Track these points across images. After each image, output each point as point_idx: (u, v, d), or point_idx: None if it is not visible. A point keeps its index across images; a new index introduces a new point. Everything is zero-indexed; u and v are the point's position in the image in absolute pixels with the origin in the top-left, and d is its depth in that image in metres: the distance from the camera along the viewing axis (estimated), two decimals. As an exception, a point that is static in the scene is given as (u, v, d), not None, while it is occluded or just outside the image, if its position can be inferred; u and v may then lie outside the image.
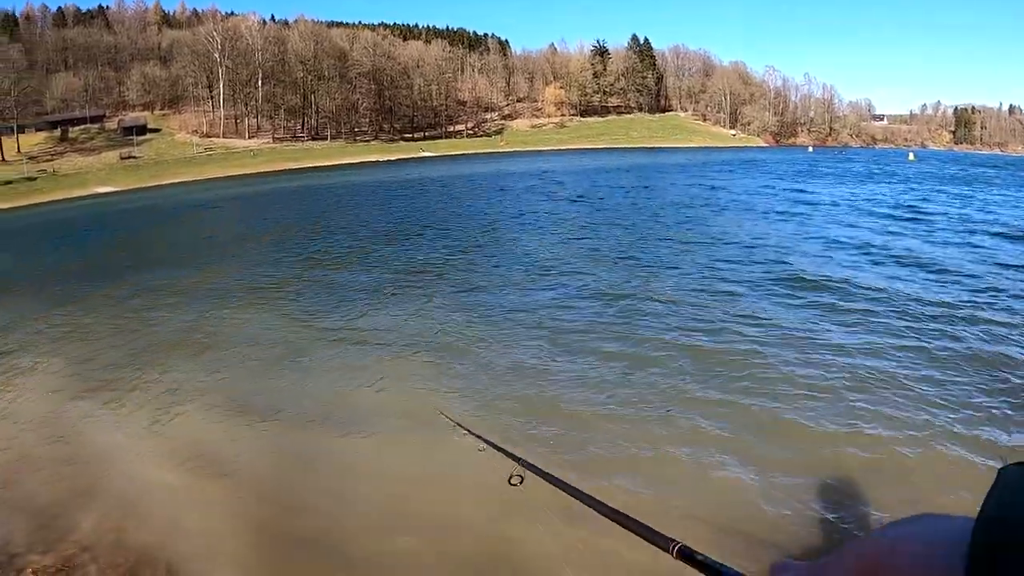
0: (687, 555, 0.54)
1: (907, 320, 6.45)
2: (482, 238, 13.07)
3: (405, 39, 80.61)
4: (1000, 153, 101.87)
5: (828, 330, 6.30)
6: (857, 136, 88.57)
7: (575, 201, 20.33)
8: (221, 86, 75.89)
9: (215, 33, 76.77)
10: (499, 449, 1.65)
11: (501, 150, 73.43)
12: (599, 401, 4.99)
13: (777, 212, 16.03)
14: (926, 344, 5.76)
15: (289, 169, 65.13)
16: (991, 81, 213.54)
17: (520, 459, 1.46)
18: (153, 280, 10.91)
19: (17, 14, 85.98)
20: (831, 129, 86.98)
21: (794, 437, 4.30)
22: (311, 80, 76.65)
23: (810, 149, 78.52)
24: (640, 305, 7.46)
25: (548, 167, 43.34)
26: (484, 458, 1.90)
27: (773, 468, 3.97)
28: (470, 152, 71.76)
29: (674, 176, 31.22)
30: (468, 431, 2.10)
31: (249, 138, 75.31)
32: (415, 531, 3.64)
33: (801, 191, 22.21)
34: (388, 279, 9.86)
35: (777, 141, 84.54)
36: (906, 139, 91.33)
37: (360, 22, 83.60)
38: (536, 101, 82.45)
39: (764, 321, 6.61)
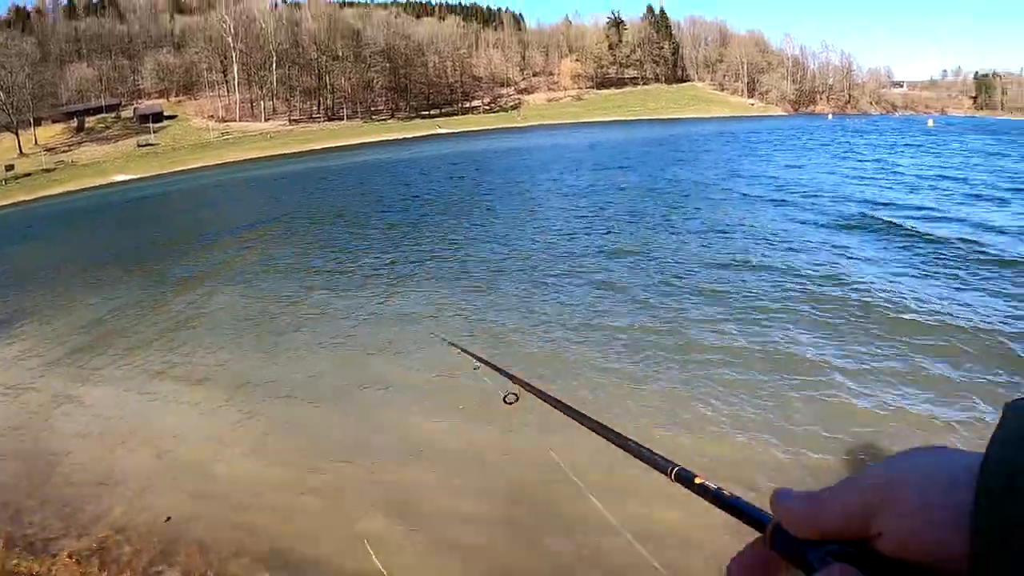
0: (685, 478, 0.55)
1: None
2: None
3: (419, 16, 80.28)
4: (1022, 118, 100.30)
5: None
6: (877, 103, 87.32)
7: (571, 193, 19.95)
8: (235, 70, 75.64)
9: (227, 17, 76.59)
10: (494, 367, 1.59)
11: (518, 125, 72.75)
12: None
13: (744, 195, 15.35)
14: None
15: (305, 151, 64.80)
16: (1013, 46, 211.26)
17: (514, 377, 1.43)
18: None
19: (28, 7, 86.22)
20: (850, 96, 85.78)
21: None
22: (325, 61, 76.30)
23: (829, 117, 77.58)
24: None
25: (558, 142, 43.35)
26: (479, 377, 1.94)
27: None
28: (487, 128, 71.12)
29: (664, 152, 30.51)
30: (463, 351, 2.06)
31: (265, 121, 75.06)
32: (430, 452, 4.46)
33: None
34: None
35: (796, 109, 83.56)
36: (927, 106, 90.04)
37: (373, 1, 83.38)
38: (552, 75, 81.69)
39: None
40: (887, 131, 47.08)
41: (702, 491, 0.51)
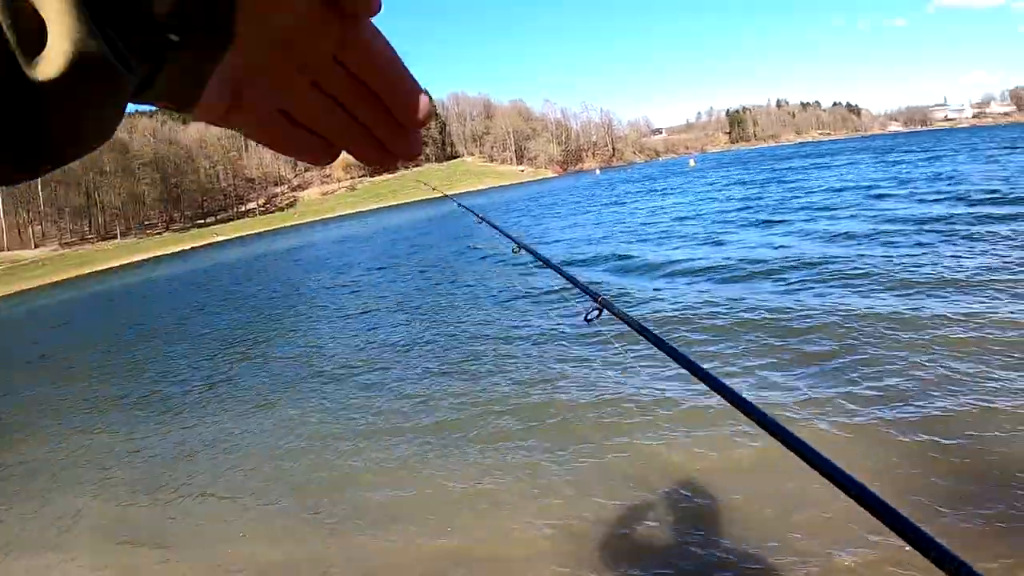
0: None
1: None
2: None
3: (185, 122, 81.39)
4: (774, 145, 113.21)
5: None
6: (640, 152, 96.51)
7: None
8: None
9: (-17, 140, 75.24)
10: (578, 285, 1.66)
11: (295, 223, 76.38)
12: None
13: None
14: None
15: (82, 275, 65.49)
16: (761, 79, 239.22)
17: (597, 295, 1.49)
18: None
19: None
20: (614, 149, 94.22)
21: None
22: (93, 176, 76.88)
23: (597, 172, 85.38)
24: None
25: (314, 240, 41.38)
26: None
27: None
28: (264, 230, 73.97)
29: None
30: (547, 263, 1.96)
31: (36, 247, 75.17)
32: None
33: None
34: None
35: (565, 169, 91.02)
36: (687, 147, 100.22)
37: (137, 110, 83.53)
38: (324, 168, 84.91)
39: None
40: (647, 178, 49.54)
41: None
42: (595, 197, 33.28)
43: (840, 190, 18.04)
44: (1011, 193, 12.36)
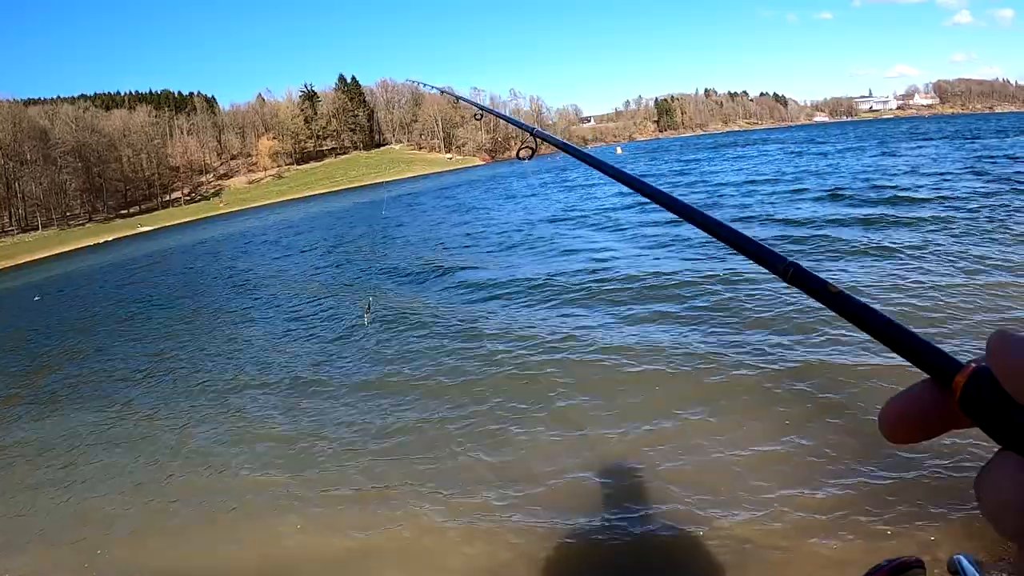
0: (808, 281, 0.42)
1: None
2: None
3: (108, 108, 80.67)
4: (702, 133, 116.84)
5: None
6: (569, 140, 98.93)
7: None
8: (-86, 184, 74.19)
9: (-103, 127, 74.35)
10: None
11: (220, 212, 76.84)
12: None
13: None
14: None
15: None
16: (690, 69, 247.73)
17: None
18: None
19: None
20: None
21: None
22: (13, 166, 76.43)
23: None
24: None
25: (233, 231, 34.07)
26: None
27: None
28: (189, 220, 74.17)
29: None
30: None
31: (-47, 240, 74.53)
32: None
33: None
34: None
35: (493, 157, 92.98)
36: (615, 135, 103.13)
37: (59, 96, 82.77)
38: (251, 156, 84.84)
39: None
40: (566, 168, 51.81)
41: (835, 301, 0.38)
42: (505, 191, 34.07)
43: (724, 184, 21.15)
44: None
